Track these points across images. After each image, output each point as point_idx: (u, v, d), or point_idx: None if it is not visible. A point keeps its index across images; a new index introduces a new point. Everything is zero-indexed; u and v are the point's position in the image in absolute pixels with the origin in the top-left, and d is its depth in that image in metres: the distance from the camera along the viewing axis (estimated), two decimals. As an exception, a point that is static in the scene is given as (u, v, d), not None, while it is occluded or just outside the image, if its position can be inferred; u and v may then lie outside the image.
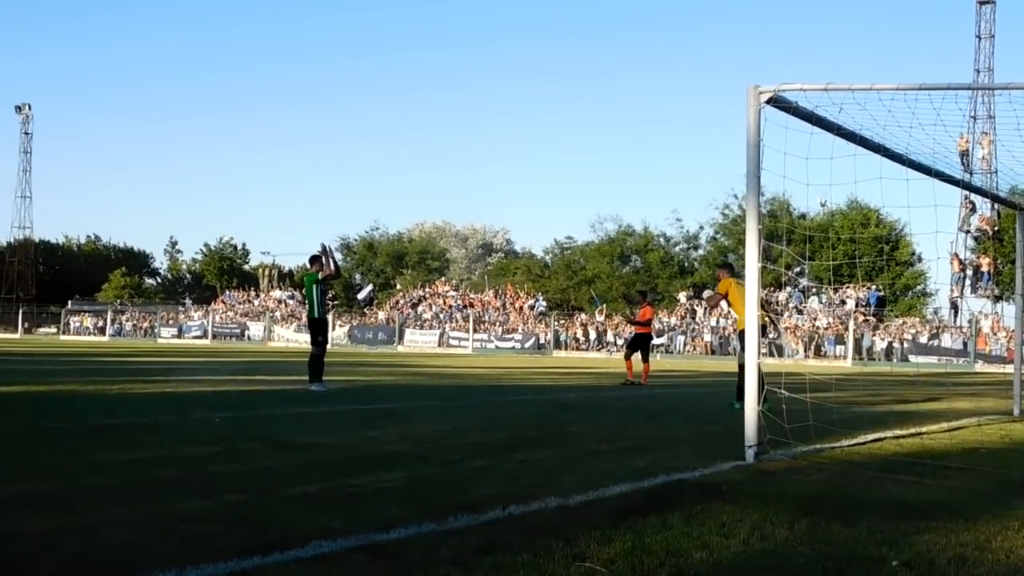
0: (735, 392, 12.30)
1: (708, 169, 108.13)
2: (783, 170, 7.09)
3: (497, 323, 53.91)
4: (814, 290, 48.45)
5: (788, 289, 49.78)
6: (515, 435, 8.46)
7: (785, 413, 7.77)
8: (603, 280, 65.81)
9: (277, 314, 63.15)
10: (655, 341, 47.47)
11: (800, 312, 47.89)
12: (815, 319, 46.82)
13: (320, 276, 14.13)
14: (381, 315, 59.69)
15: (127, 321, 67.36)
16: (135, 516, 4.67)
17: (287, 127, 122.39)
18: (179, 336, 63.78)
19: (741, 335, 12.43)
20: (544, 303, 57.71)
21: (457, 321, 55.19)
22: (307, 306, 14.57)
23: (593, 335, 49.47)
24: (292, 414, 9.99)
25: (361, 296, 66.26)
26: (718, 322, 47.01)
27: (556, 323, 51.08)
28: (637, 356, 18.53)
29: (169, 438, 7.63)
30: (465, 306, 58.00)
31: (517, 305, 56.78)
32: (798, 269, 48.22)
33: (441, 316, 56.82)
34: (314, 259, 14.40)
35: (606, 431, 9.09)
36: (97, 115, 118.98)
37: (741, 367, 12.31)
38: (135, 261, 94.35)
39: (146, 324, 66.67)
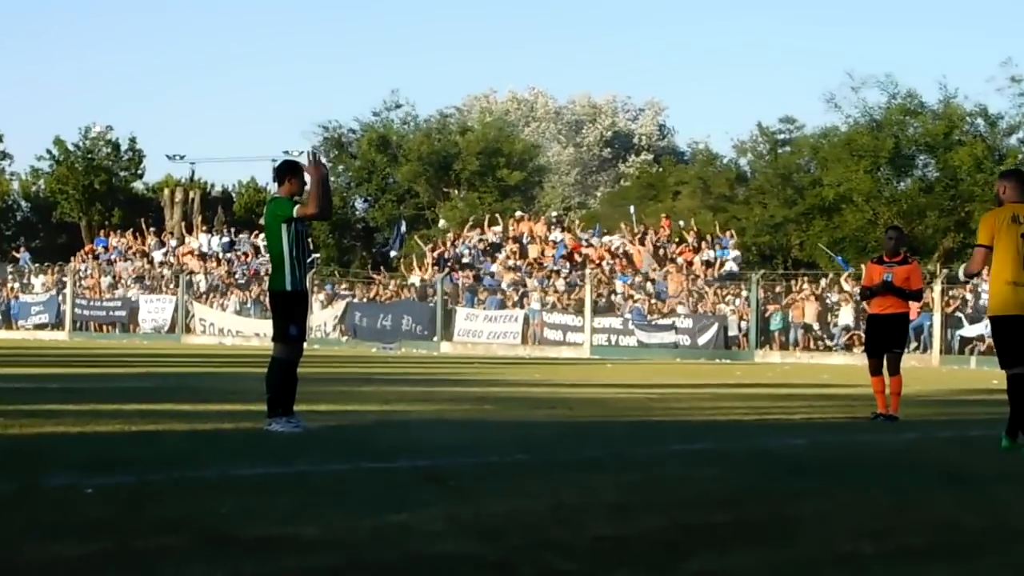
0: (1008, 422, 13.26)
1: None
2: None
3: (641, 296, 53.91)
4: None
5: None
6: (683, 521, 8.50)
7: None
8: (855, 208, 65.02)
9: (200, 280, 64.19)
10: (966, 331, 46.99)
11: None
12: None
13: (296, 211, 14.23)
14: (413, 279, 60.14)
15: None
16: None
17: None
18: (7, 324, 65.16)
19: (994, 325, 13.26)
20: (737, 254, 57.40)
21: (559, 293, 55.32)
22: (269, 264, 14.72)
23: (844, 318, 49.00)
24: (238, 479, 10.19)
25: (394, 251, 66.57)
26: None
27: (761, 296, 50.80)
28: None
29: (3, 525, 7.85)
30: (576, 262, 58.06)
31: (683, 258, 56.59)
32: None
33: (528, 281, 57.05)
34: (284, 173, 14.50)
35: (869, 513, 9.08)
36: None
37: (1013, 380, 13.03)
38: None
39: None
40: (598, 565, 7.02)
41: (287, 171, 14.49)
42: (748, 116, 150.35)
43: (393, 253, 67.64)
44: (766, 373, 36.36)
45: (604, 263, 57.22)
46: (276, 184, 14.74)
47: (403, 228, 67.13)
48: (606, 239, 60.71)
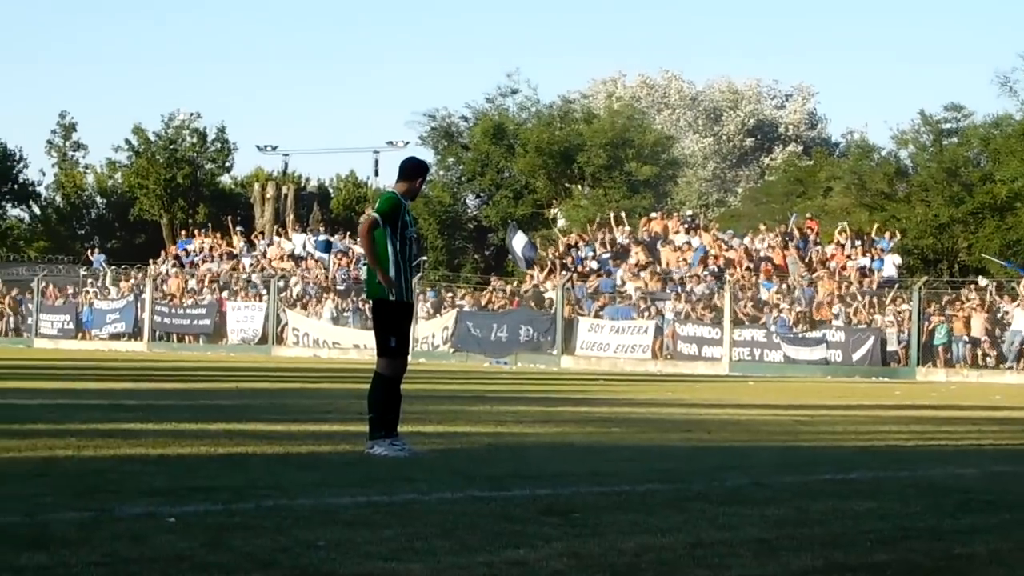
0: None
1: None
2: None
3: (785, 304, 53.55)
4: None
5: None
6: (838, 560, 8.45)
7: None
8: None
9: (295, 284, 64.52)
10: None
11: None
12: None
13: (370, 217, 14.19)
14: (527, 285, 60.14)
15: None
16: None
17: None
18: (79, 334, 65.88)
19: None
20: (897, 258, 56.89)
21: (694, 301, 55.08)
22: (366, 270, 14.74)
23: (1018, 329, 48.37)
24: (335, 509, 10.22)
25: (519, 248, 65.06)
26: None
27: (924, 304, 50.26)
28: None
29: (73, 558, 7.90)
30: (715, 268, 57.78)
31: (834, 262, 56.20)
32: None
33: (660, 285, 56.81)
34: (409, 170, 14.52)
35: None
36: None
37: None
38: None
39: (5, 304, 69.48)
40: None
41: (412, 169, 14.55)
42: (909, 103, 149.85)
43: (518, 251, 66.89)
44: (929, 393, 36.08)
45: (746, 267, 56.86)
46: (400, 177, 14.63)
47: (515, 236, 64.49)
48: (747, 241, 60.32)
